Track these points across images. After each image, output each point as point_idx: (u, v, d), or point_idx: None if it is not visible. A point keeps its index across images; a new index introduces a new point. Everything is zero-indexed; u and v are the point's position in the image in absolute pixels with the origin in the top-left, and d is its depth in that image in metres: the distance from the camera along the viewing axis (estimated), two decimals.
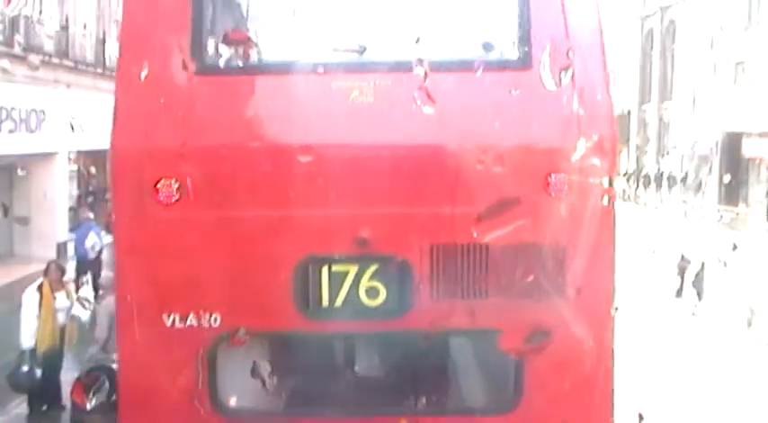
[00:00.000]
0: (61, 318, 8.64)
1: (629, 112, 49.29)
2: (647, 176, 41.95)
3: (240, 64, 4.51)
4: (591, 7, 4.35)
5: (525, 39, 4.19)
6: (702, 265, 13.90)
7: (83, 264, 12.77)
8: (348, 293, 4.24)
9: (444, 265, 4.18)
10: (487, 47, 4.41)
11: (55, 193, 17.13)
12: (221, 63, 4.46)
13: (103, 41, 19.86)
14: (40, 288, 8.68)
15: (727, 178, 31.13)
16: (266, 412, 4.66)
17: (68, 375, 8.86)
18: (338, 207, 4.14)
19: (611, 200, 4.17)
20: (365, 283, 4.24)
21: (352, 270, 4.23)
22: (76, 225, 14.97)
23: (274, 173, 4.18)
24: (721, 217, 27.73)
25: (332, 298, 4.24)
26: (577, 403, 4.06)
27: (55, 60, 16.80)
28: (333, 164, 4.11)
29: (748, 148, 32.27)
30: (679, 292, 13.42)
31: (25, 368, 8.30)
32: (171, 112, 4.19)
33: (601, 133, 4.16)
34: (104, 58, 19.82)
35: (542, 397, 4.07)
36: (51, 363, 8.59)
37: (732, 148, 33.47)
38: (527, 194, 4.02)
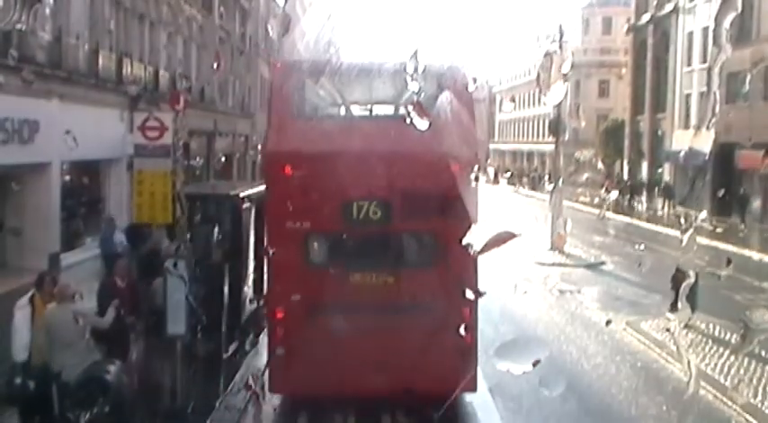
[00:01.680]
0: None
1: (622, 123, 49.45)
2: (638, 187, 42.14)
3: (316, 115, 10.23)
4: (467, 98, 9.70)
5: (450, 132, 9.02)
6: (696, 277, 13.87)
7: (109, 259, 14.19)
8: (364, 214, 9.30)
9: (406, 203, 9.17)
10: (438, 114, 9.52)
11: (48, 204, 17.06)
12: (308, 114, 10.07)
13: (96, 52, 19.84)
14: (32, 300, 8.61)
15: (720, 192, 31.23)
16: (327, 264, 9.61)
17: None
18: (360, 178, 8.77)
19: (476, 180, 9.44)
20: (372, 209, 9.32)
21: (366, 204, 9.29)
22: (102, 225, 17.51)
23: (332, 163, 8.60)
24: (714, 228, 27.77)
25: (357, 216, 9.29)
26: (461, 268, 8.80)
27: (47, 71, 16.76)
28: (358, 159, 8.58)
29: (741, 160, 32.44)
30: (674, 306, 13.40)
31: (18, 381, 8.23)
32: (289, 136, 9.61)
33: (470, 152, 9.34)
34: (97, 69, 19.79)
35: (443, 261, 9.18)
36: (45, 375, 8.53)
37: (725, 160, 33.62)
38: (442, 175, 8.62)
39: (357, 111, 10.40)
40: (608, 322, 14.91)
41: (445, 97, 8.76)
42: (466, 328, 9.13)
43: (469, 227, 7.50)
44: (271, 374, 9.62)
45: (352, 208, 9.24)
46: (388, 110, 10.67)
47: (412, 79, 6.28)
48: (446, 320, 9.07)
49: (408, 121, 5.92)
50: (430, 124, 6.52)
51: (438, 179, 8.76)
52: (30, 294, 8.75)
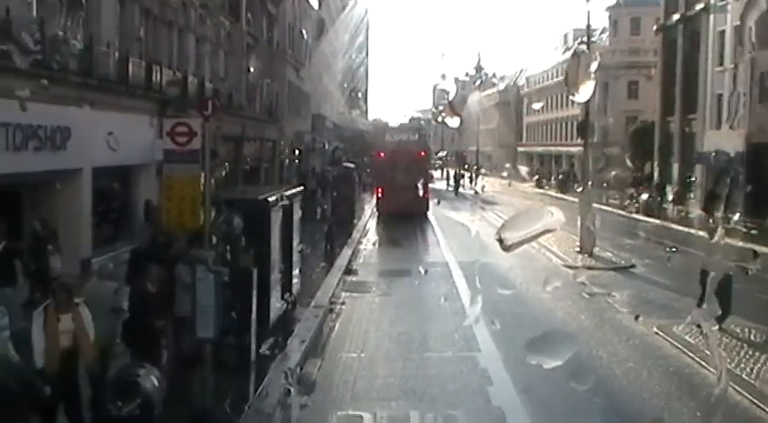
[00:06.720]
0: (65, 340, 8.40)
1: (652, 124, 48.88)
2: (666, 189, 41.67)
3: (382, 140, 43.43)
4: (425, 138, 46.74)
5: (419, 142, 41.77)
6: (730, 279, 13.56)
7: None
8: (400, 167, 37.39)
9: (409, 165, 37.52)
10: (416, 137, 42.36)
11: (80, 210, 17.29)
12: (380, 140, 44.40)
13: (126, 59, 20.08)
14: (45, 309, 8.43)
15: (748, 188, 30.83)
16: (389, 180, 37.43)
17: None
18: (397, 157, 37.72)
19: (428, 166, 46.23)
20: (401, 165, 37.50)
21: (400, 163, 37.46)
22: None
23: (388, 154, 38.93)
24: (749, 230, 27.34)
25: (397, 168, 37.41)
26: (425, 183, 38.76)
27: (79, 79, 16.99)
28: (396, 152, 38.25)
29: None
30: (701, 300, 13.21)
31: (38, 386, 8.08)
32: (378, 145, 42.64)
33: (427, 153, 43.39)
34: (127, 76, 20.02)
35: (420, 181, 37.64)
36: (65, 381, 8.45)
37: (757, 160, 33.12)
38: (419, 158, 39.16)
39: (395, 139, 40.18)
40: (636, 317, 15.02)
41: (418, 136, 42.08)
42: (425, 195, 37.36)
43: (429, 174, 45.08)
44: (377, 209, 37.74)
45: (397, 165, 36.71)
46: (405, 138, 40.44)
47: (410, 132, 43.53)
48: (422, 193, 36.75)
49: (409, 142, 39.68)
50: (414, 143, 39.84)
51: (418, 159, 38.30)
52: (45, 304, 8.61)
